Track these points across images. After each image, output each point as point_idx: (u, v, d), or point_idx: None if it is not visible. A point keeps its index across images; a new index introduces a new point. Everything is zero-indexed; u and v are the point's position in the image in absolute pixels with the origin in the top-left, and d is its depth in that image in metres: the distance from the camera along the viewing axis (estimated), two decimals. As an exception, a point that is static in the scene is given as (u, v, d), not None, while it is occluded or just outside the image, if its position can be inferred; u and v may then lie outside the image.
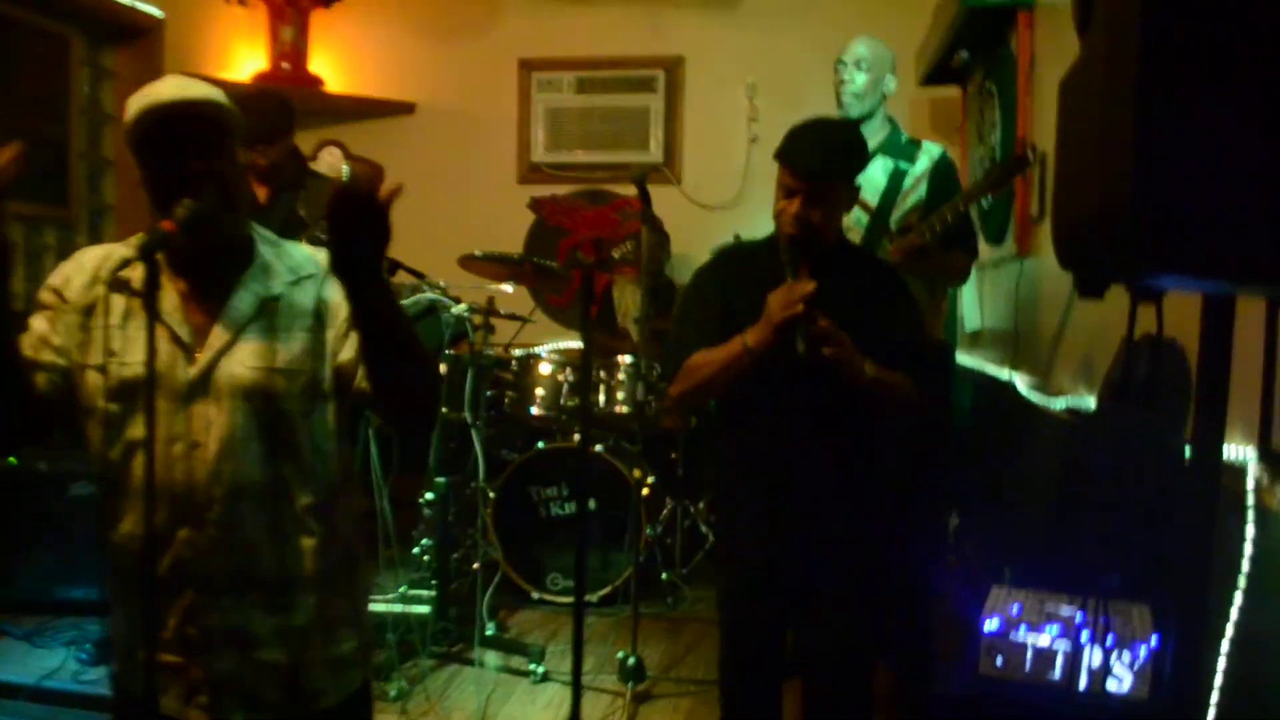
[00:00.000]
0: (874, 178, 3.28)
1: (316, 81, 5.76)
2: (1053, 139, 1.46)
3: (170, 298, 1.67)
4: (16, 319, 1.69)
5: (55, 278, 1.72)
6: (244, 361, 1.66)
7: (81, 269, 1.72)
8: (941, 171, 3.33)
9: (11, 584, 3.81)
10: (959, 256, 3.35)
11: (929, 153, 3.35)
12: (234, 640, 1.67)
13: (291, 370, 1.68)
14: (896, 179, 3.29)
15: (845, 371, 2.29)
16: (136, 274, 1.62)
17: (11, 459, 3.74)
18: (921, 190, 3.28)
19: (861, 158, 2.44)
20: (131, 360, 1.63)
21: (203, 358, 1.65)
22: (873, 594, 2.49)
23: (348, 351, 1.73)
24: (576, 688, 1.86)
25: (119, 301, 1.67)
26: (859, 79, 3.35)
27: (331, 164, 5.84)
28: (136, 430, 1.62)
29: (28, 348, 1.68)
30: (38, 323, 1.71)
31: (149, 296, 1.49)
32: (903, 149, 3.36)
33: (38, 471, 3.79)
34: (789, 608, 2.48)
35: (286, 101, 3.93)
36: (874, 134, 3.35)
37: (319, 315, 1.73)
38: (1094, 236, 1.27)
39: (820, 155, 2.32)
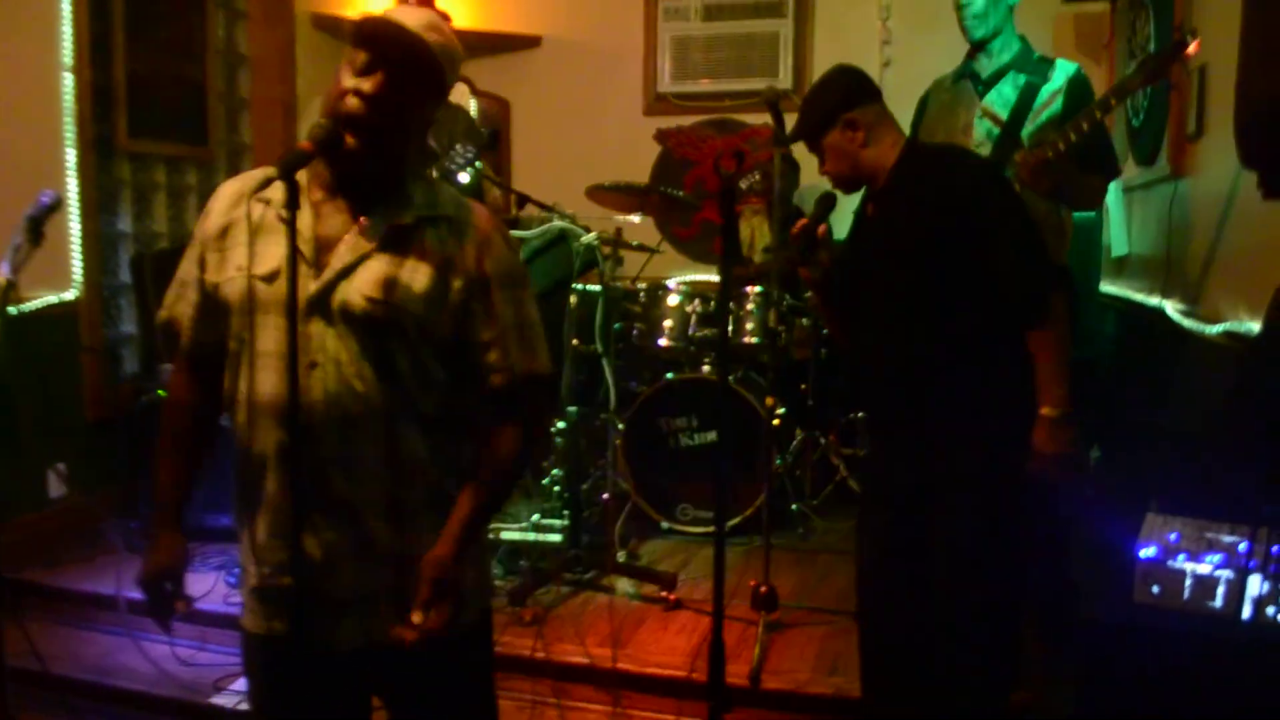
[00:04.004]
0: (1005, 93, 3.19)
1: (444, 17, 5.75)
2: (1216, 53, 1.36)
3: (304, 215, 1.66)
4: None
5: (203, 216, 1.78)
6: (361, 289, 1.64)
7: (220, 198, 1.77)
8: (1078, 86, 3.18)
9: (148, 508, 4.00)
10: (1093, 179, 3.19)
11: (1064, 69, 3.21)
12: (351, 560, 1.68)
13: (405, 308, 1.65)
14: (1029, 93, 3.15)
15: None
16: (276, 193, 1.63)
17: (161, 391, 3.90)
18: (1057, 105, 3.14)
19: (826, 103, 2.48)
20: (258, 272, 1.65)
21: (325, 276, 1.65)
22: (990, 504, 2.38)
23: (486, 332, 1.72)
24: (718, 614, 1.84)
25: (253, 214, 1.68)
26: (976, 1, 3.21)
27: (459, 100, 5.88)
28: (260, 344, 1.65)
29: (181, 312, 1.78)
30: (186, 268, 1.78)
31: (290, 215, 1.50)
32: (1035, 65, 3.21)
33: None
34: (909, 516, 2.44)
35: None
36: (1003, 51, 3.24)
37: (450, 265, 1.70)
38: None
39: (800, 112, 2.54)
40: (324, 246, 1.67)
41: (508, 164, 6.06)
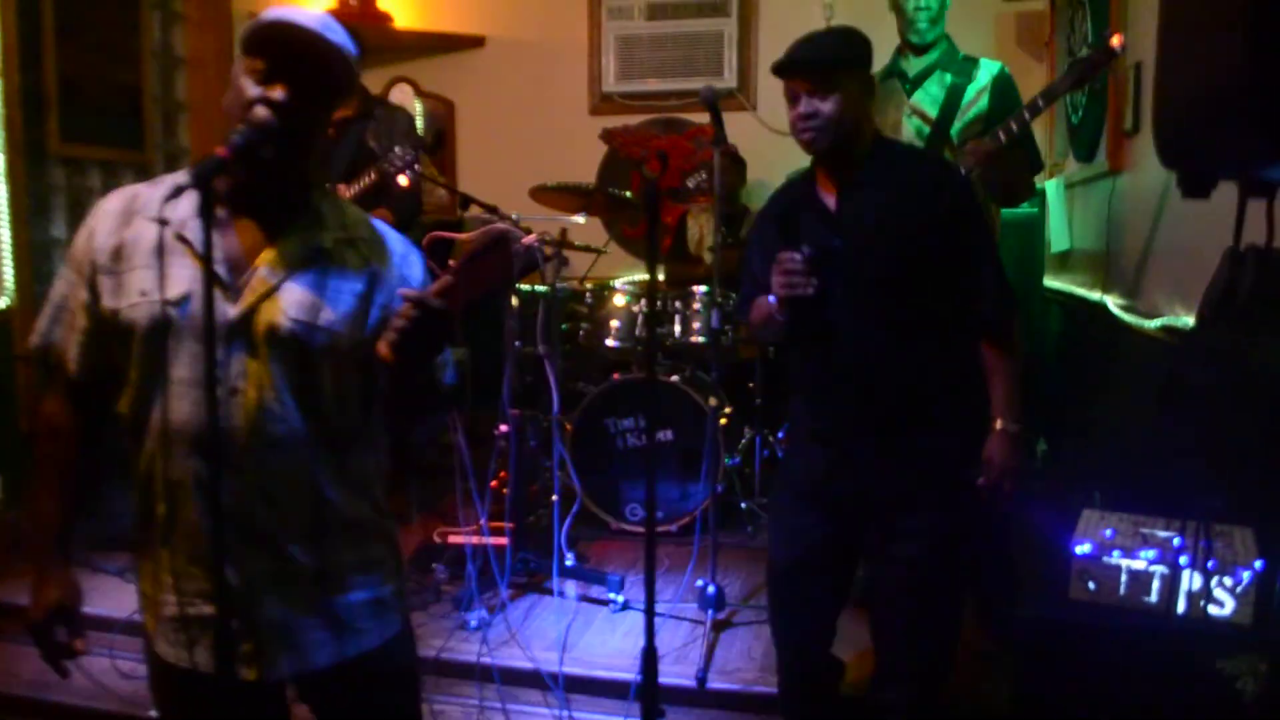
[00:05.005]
0: (932, 91, 3.25)
1: (385, 18, 5.73)
2: (1149, 49, 1.36)
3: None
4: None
5: (80, 236, 1.66)
6: (286, 311, 1.60)
7: (103, 216, 1.66)
8: (1002, 85, 3.27)
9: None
10: (1027, 172, 3.27)
11: (988, 68, 3.31)
12: (275, 586, 1.64)
13: (332, 330, 1.63)
14: (956, 92, 3.22)
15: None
16: (177, 212, 1.59)
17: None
18: (983, 102, 3.21)
19: (861, 46, 2.30)
20: (167, 296, 1.57)
21: (246, 299, 1.60)
22: (950, 519, 2.35)
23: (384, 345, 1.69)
24: (650, 615, 1.82)
25: (148, 236, 1.60)
26: (934, 2, 3.25)
27: (402, 101, 5.83)
28: (174, 370, 1.58)
29: (62, 338, 1.67)
30: (66, 291, 1.67)
31: (205, 224, 1.43)
32: (961, 65, 3.29)
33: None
34: (843, 523, 2.39)
35: (353, 32, 3.90)
36: (930, 50, 3.32)
37: (370, 287, 1.68)
38: (1201, 128, 1.18)
39: (809, 46, 2.26)
40: (236, 268, 1.61)
41: (452, 165, 6.01)
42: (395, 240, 1.78)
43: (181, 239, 1.59)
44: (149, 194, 1.65)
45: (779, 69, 2.27)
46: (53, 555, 1.72)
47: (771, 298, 2.27)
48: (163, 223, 1.59)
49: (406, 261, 1.76)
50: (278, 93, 1.54)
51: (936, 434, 2.31)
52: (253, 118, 1.53)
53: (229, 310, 1.58)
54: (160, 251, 1.57)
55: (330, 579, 1.68)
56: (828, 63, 2.23)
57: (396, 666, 1.85)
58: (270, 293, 1.60)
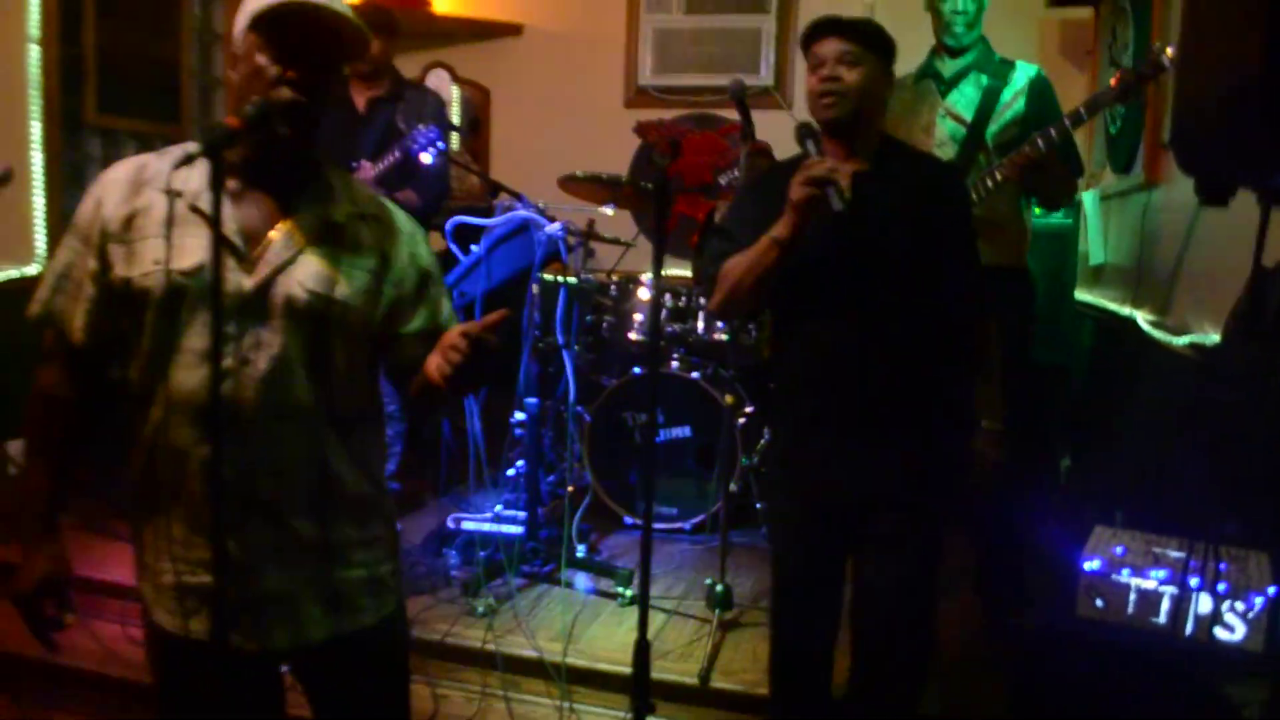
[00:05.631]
0: (968, 93, 3.21)
1: (424, 3, 5.74)
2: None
3: (224, 205, 1.58)
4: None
5: (86, 205, 1.66)
6: (303, 283, 1.61)
7: (111, 185, 1.65)
8: (1039, 87, 3.22)
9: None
10: (1069, 177, 3.22)
11: (1024, 71, 3.26)
12: (274, 559, 1.64)
13: (347, 304, 1.64)
14: (992, 95, 3.17)
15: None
16: (189, 183, 1.60)
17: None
18: (1019, 105, 3.16)
19: (890, 40, 2.28)
20: (180, 266, 1.57)
21: (262, 271, 1.60)
22: (933, 523, 2.33)
23: (416, 322, 1.74)
24: (644, 608, 1.81)
25: (159, 207, 1.60)
26: (971, 6, 3.21)
27: (438, 86, 5.84)
28: (185, 340, 1.58)
29: (64, 307, 1.66)
30: (71, 260, 1.66)
31: (215, 192, 1.42)
32: (997, 67, 3.24)
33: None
34: (845, 533, 2.36)
35: (386, 8, 3.92)
36: (966, 52, 3.28)
37: (384, 262, 1.71)
38: (1220, 137, 1.15)
39: (845, 18, 2.23)
40: (250, 239, 1.62)
41: (487, 151, 6.01)
42: (402, 219, 1.79)
43: (195, 210, 1.60)
44: (157, 164, 1.65)
45: (814, 28, 2.25)
46: (42, 526, 1.71)
47: (774, 233, 2.19)
48: (174, 194, 1.59)
49: (414, 240, 1.78)
50: (297, 71, 1.56)
51: (928, 427, 2.31)
52: (278, 97, 1.54)
53: (244, 281, 1.59)
54: (171, 222, 1.57)
55: (331, 553, 1.69)
56: (861, 34, 2.22)
57: (390, 646, 1.85)
58: (287, 265, 1.61)
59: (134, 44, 4.70)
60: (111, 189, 1.64)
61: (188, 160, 1.49)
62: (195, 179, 1.60)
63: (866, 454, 2.28)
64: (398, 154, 3.70)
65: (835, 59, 2.20)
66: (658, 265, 1.85)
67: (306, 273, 1.61)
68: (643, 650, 1.83)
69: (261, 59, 1.57)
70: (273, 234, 1.62)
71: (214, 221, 1.43)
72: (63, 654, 3.14)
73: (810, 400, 2.34)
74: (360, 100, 3.96)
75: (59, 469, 1.72)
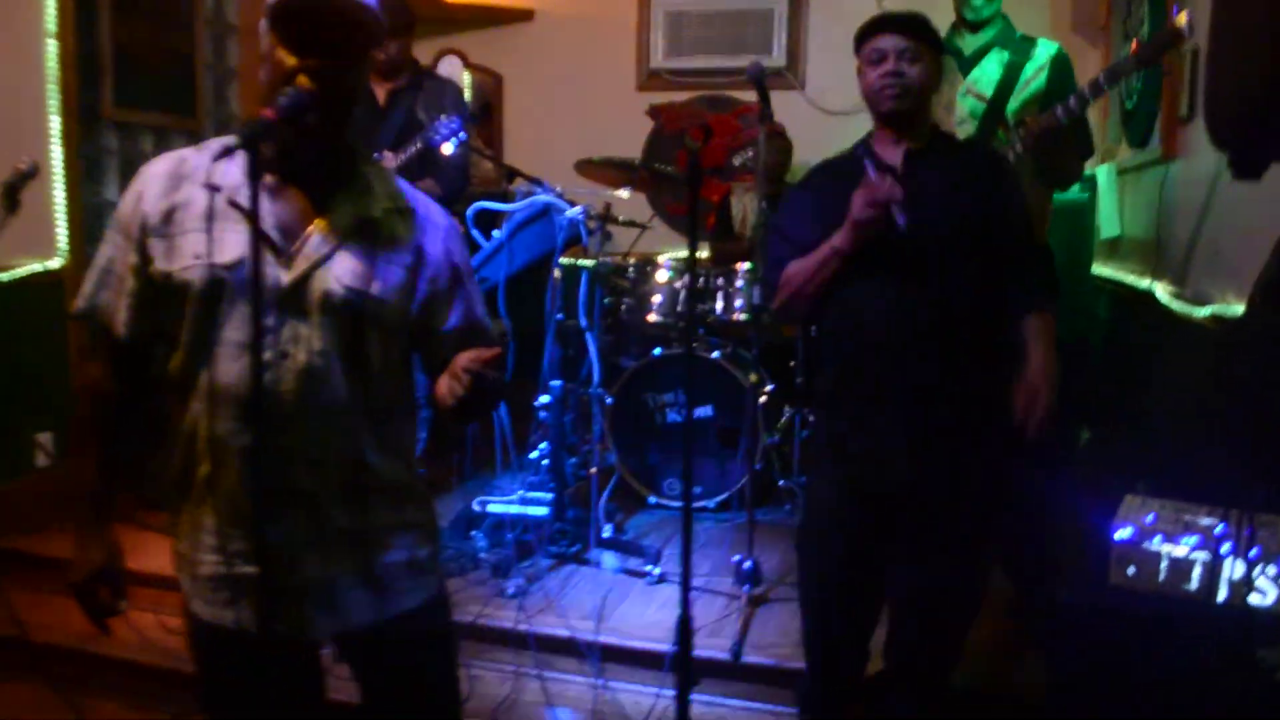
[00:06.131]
0: (989, 70, 3.22)
1: (436, -10, 5.74)
2: (1206, 34, 1.35)
3: (261, 201, 1.59)
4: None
5: (127, 199, 1.68)
6: (340, 279, 1.63)
7: (151, 179, 1.67)
8: (1060, 64, 3.23)
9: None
10: (1076, 157, 3.23)
11: (1046, 48, 3.26)
12: (314, 548, 1.67)
13: (383, 300, 1.66)
14: (1013, 71, 3.18)
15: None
16: (227, 178, 1.62)
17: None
18: (1040, 81, 3.17)
19: (938, 33, 2.36)
20: (221, 260, 1.59)
21: (299, 266, 1.62)
22: (984, 519, 2.38)
23: (450, 319, 1.75)
24: (685, 585, 1.84)
25: (199, 201, 1.62)
26: None
27: (451, 73, 5.85)
28: (226, 333, 1.60)
29: (108, 302, 1.69)
30: (113, 255, 1.69)
31: (252, 184, 1.44)
32: (1018, 44, 3.25)
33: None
34: (889, 520, 2.38)
35: (405, 5, 3.94)
36: (987, 28, 3.29)
37: (420, 258, 1.72)
38: (1253, 112, 1.17)
39: (902, 15, 2.31)
40: (288, 234, 1.64)
41: (499, 137, 6.03)
42: (437, 214, 1.81)
43: (234, 204, 1.62)
44: (196, 159, 1.67)
45: (874, 24, 2.31)
46: (95, 516, 1.76)
47: (835, 244, 2.26)
48: (214, 189, 1.61)
49: (450, 236, 1.79)
50: (316, 60, 1.56)
51: (974, 415, 2.32)
52: (297, 87, 1.55)
53: (282, 276, 1.61)
54: (211, 216, 1.59)
55: (369, 540, 1.72)
56: (921, 28, 2.30)
57: (435, 627, 1.88)
58: (324, 260, 1.63)
59: (149, 37, 4.72)
60: (152, 183, 1.66)
61: (226, 153, 1.49)
62: (234, 173, 1.62)
63: (915, 437, 2.29)
64: (419, 144, 3.73)
65: (896, 54, 2.27)
66: (693, 249, 1.88)
67: (343, 268, 1.63)
68: (686, 626, 1.87)
69: (280, 53, 1.58)
70: (310, 229, 1.64)
71: (252, 214, 1.45)
72: (99, 642, 3.25)
73: (858, 378, 2.35)
74: (380, 92, 3.98)
75: (109, 461, 1.76)
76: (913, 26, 2.30)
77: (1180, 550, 1.95)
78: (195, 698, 1.95)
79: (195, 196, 1.63)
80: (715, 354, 4.21)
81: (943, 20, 3.39)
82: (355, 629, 1.73)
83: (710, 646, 3.01)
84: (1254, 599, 1.87)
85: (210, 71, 5.14)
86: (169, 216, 1.63)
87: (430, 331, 1.76)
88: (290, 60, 1.57)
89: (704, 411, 4.21)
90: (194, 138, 5.00)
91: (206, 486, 1.66)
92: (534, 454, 4.03)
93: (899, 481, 2.31)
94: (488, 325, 1.83)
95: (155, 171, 1.68)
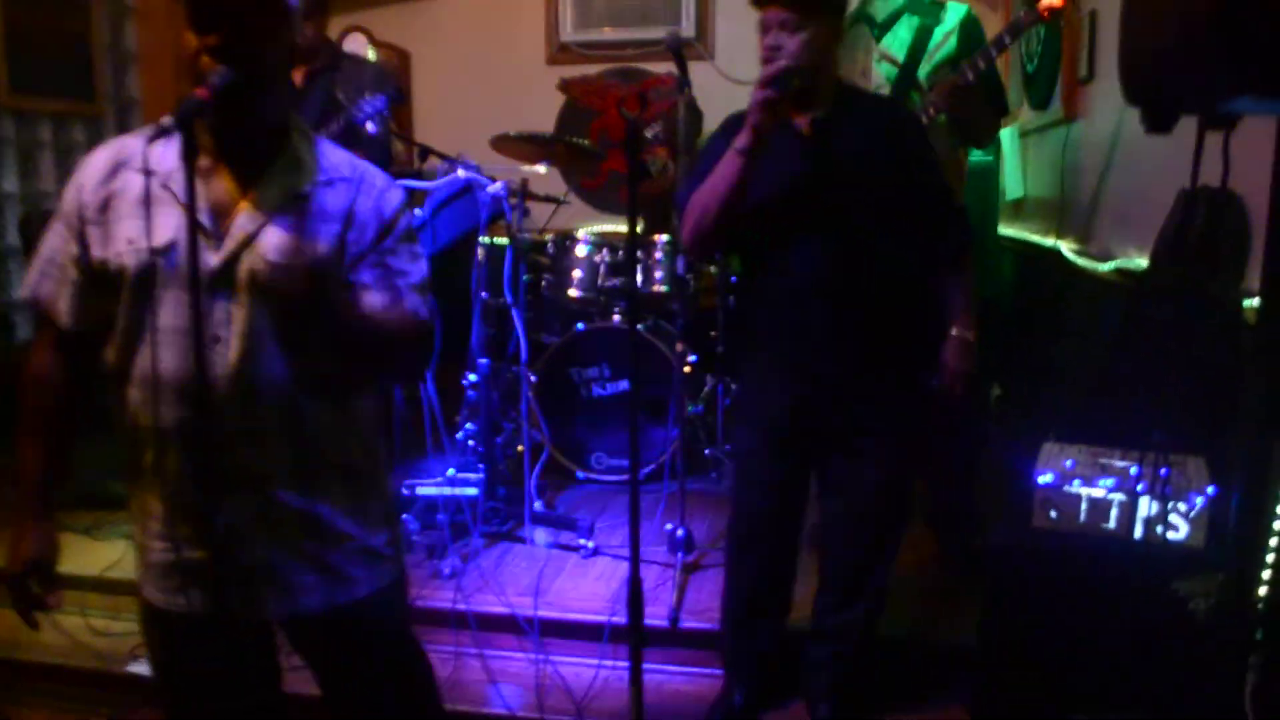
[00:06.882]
0: (901, 35, 3.27)
1: (340, -34, 5.63)
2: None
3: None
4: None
5: (69, 190, 1.67)
6: (266, 255, 1.61)
7: (91, 169, 1.66)
8: (969, 26, 3.29)
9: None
10: (991, 114, 3.31)
11: (955, 10, 3.31)
12: (262, 529, 1.66)
13: (312, 269, 1.63)
14: (923, 35, 3.24)
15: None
16: (161, 163, 1.60)
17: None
18: (951, 44, 3.24)
19: (825, 1, 2.35)
20: (153, 245, 1.58)
21: (227, 247, 1.61)
22: (904, 447, 2.50)
23: (367, 273, 1.70)
24: (635, 561, 1.88)
25: (134, 187, 1.61)
26: None
27: (356, 51, 5.75)
28: (160, 319, 1.59)
29: (50, 291, 1.68)
30: (56, 244, 1.68)
31: (187, 165, 1.43)
32: (928, 8, 3.30)
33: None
34: (810, 466, 2.53)
35: (318, -10, 3.87)
36: None
37: (348, 221, 1.69)
38: (1167, 63, 1.23)
39: None
40: (220, 215, 1.62)
41: (409, 116, 5.95)
42: (376, 176, 1.77)
43: (167, 188, 1.60)
44: (134, 145, 1.66)
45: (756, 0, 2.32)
46: (33, 508, 1.72)
47: (737, 145, 2.27)
48: (148, 173, 1.59)
49: (384, 197, 1.75)
50: (214, 39, 1.53)
51: (896, 351, 2.44)
52: (202, 69, 1.52)
53: (211, 258, 1.59)
54: (146, 201, 1.58)
55: (319, 524, 1.71)
56: (799, 1, 2.28)
57: (388, 616, 1.87)
58: (250, 239, 1.61)
59: (44, 20, 4.57)
60: (91, 173, 1.66)
61: (161, 134, 1.47)
62: (169, 158, 1.61)
63: (837, 382, 2.42)
64: (341, 123, 3.67)
65: (779, 25, 2.29)
66: (632, 218, 1.90)
67: (270, 244, 1.61)
68: (637, 592, 1.91)
69: (188, 34, 1.56)
70: (238, 209, 1.62)
71: (189, 195, 1.44)
72: (25, 649, 3.18)
73: (780, 333, 2.44)
74: (297, 76, 3.91)
75: (52, 452, 1.73)
76: (790, 1, 2.28)
77: (1098, 492, 2.05)
78: (128, 699, 1.92)
79: (131, 183, 1.62)
80: (638, 326, 4.24)
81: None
82: (305, 613, 1.73)
83: (649, 615, 3.00)
84: (1168, 535, 1.98)
85: (109, 55, 4.99)
86: (106, 204, 1.63)
87: (348, 285, 1.70)
88: (194, 40, 1.55)
89: (628, 384, 4.24)
90: (93, 123, 4.86)
91: (152, 473, 1.65)
92: (460, 434, 4.02)
93: (825, 424, 2.43)
94: (403, 287, 1.74)
95: (95, 160, 1.67)
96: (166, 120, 1.46)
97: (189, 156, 1.43)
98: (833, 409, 2.43)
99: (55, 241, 1.69)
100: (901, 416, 2.47)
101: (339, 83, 3.88)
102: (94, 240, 1.63)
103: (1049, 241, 3.80)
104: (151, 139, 1.52)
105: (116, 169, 1.65)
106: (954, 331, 2.44)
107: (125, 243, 1.60)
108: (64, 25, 4.70)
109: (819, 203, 2.33)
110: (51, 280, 1.69)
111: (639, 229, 4.83)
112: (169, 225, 1.59)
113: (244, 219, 1.62)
